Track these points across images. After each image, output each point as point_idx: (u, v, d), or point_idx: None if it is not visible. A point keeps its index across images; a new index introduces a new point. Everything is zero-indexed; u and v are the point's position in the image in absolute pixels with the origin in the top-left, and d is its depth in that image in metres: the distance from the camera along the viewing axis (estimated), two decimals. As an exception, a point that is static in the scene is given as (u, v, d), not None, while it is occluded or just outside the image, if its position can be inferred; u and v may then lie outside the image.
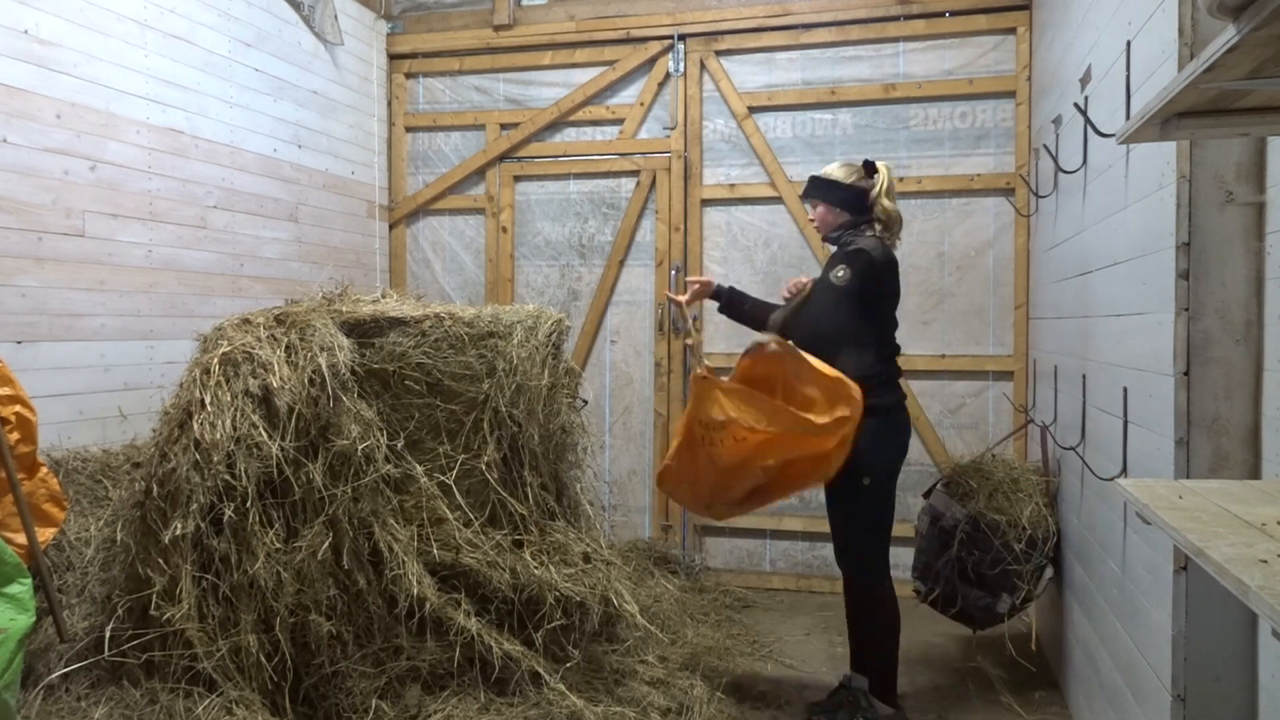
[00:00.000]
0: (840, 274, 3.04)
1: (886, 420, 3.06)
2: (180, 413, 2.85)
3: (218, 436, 2.71)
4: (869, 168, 3.19)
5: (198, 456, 2.71)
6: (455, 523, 3.10)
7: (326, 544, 2.82)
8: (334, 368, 2.93)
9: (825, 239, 3.33)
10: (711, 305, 5.06)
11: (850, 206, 3.16)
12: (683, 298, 3.49)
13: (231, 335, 2.97)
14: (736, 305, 3.49)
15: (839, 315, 3.07)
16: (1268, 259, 2.10)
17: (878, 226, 3.16)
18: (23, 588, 2.43)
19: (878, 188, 3.15)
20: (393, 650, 2.91)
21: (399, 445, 3.13)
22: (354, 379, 3.05)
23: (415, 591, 2.88)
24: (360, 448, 2.93)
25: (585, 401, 3.70)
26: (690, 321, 3.53)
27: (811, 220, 3.33)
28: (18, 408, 2.73)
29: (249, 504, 2.70)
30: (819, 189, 3.23)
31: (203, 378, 2.84)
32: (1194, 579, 2.17)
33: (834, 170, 3.24)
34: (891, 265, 3.10)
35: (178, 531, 2.66)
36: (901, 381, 3.22)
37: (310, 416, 2.86)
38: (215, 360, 2.85)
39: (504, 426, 3.23)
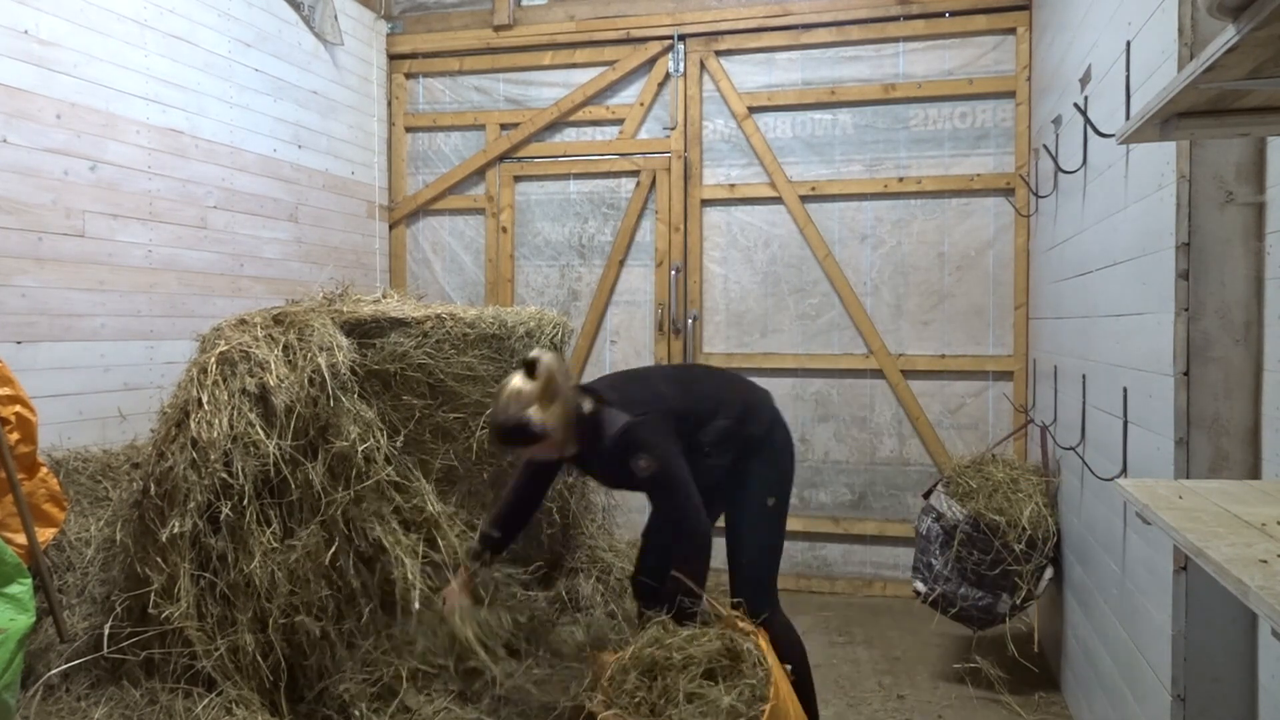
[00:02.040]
0: (643, 465, 2.54)
1: (766, 449, 2.79)
2: (178, 412, 2.84)
3: (215, 435, 2.71)
4: (529, 369, 2.55)
5: (195, 455, 2.71)
6: (451, 528, 3.09)
7: (322, 545, 2.81)
8: (334, 368, 2.93)
9: (570, 464, 2.83)
10: (711, 309, 5.07)
11: (535, 436, 2.54)
12: None
13: (229, 335, 2.97)
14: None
15: (680, 483, 2.57)
16: (1268, 259, 2.10)
17: (585, 408, 2.61)
18: (23, 588, 2.43)
19: (537, 390, 2.52)
20: (385, 652, 2.90)
21: (398, 444, 3.13)
22: (354, 379, 3.05)
23: (416, 599, 2.88)
24: (360, 449, 2.93)
25: None
26: None
27: (536, 462, 2.78)
28: (18, 408, 2.73)
29: (246, 503, 2.70)
30: (502, 442, 2.63)
31: (200, 377, 2.84)
32: (1194, 579, 2.17)
33: (511, 410, 2.52)
34: (643, 410, 2.62)
35: (175, 530, 2.66)
36: (761, 397, 2.87)
37: (309, 416, 2.86)
38: (212, 360, 2.85)
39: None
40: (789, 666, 2.56)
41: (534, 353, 2.60)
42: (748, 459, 2.77)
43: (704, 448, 2.69)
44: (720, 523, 2.84)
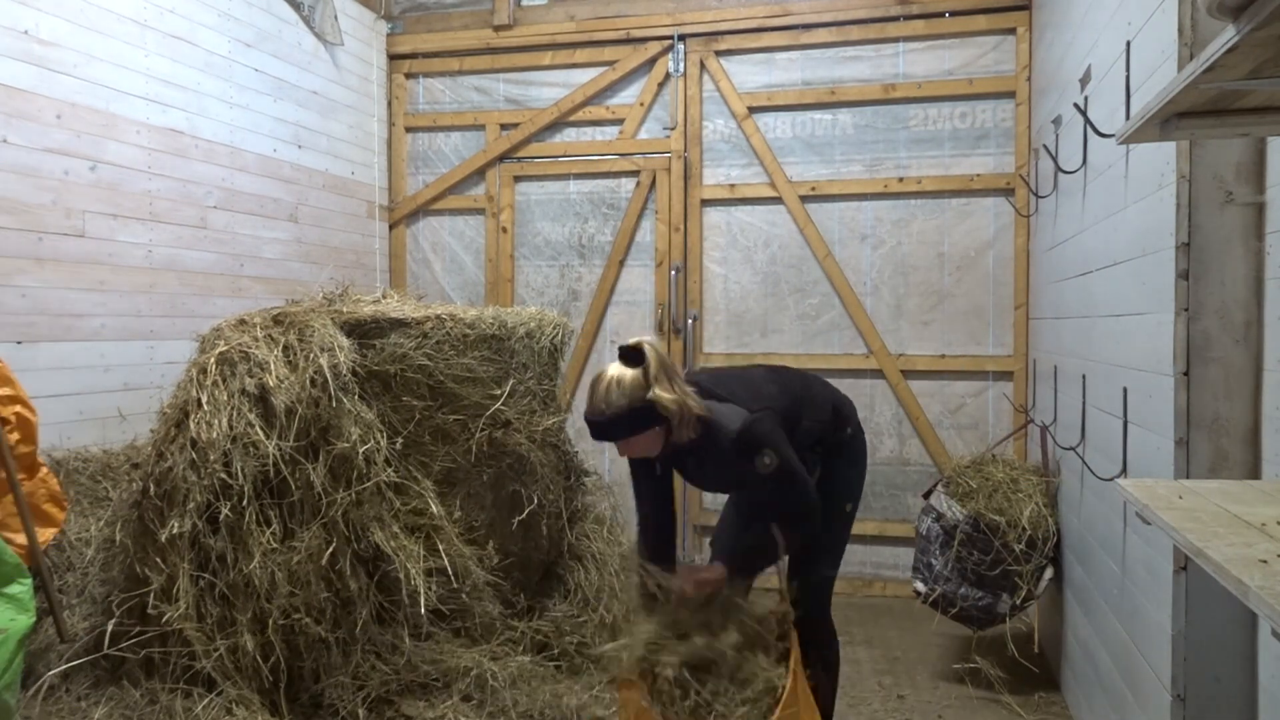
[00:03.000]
0: (767, 461, 2.49)
1: (848, 451, 2.82)
2: (177, 412, 2.85)
3: (214, 436, 2.71)
4: (634, 358, 2.49)
5: (194, 456, 2.71)
6: (450, 530, 3.09)
7: (322, 546, 2.81)
8: (335, 368, 2.93)
9: (670, 461, 2.72)
10: (711, 309, 5.07)
11: (652, 422, 2.47)
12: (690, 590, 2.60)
13: (229, 335, 2.97)
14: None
15: (801, 476, 2.56)
16: (1268, 259, 2.10)
17: (670, 407, 2.45)
18: (23, 588, 2.43)
19: (652, 375, 2.46)
20: (380, 654, 2.90)
21: (398, 446, 3.13)
22: (354, 380, 3.05)
23: (421, 601, 2.88)
24: (361, 450, 2.92)
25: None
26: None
27: (623, 454, 2.64)
28: (18, 408, 2.73)
29: (245, 503, 2.70)
30: (614, 430, 2.50)
31: (199, 377, 2.84)
32: (1194, 579, 2.17)
33: (612, 398, 2.46)
34: (760, 407, 2.57)
35: (175, 530, 2.66)
36: (846, 400, 2.87)
37: (310, 417, 2.85)
38: (212, 360, 2.85)
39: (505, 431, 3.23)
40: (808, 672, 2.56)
41: (633, 339, 2.51)
42: (832, 461, 2.77)
43: (801, 449, 2.63)
44: None
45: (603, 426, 2.49)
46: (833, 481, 2.76)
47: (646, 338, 2.54)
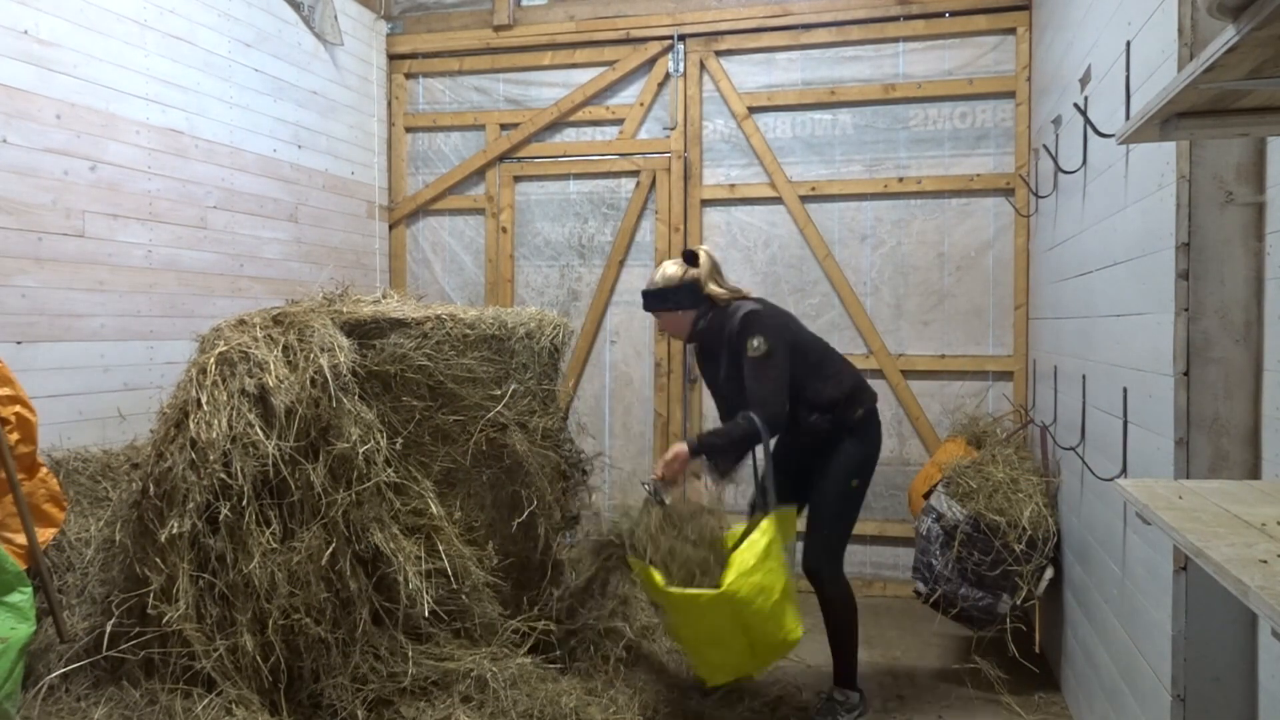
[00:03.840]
0: (755, 344, 3.01)
1: (861, 433, 3.26)
2: (177, 412, 2.84)
3: (214, 436, 2.71)
4: (690, 258, 3.22)
5: (194, 456, 2.71)
6: (450, 531, 3.09)
7: (322, 546, 2.81)
8: (335, 369, 2.93)
9: (688, 340, 3.33)
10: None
11: (690, 302, 3.18)
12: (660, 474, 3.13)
13: (229, 335, 2.97)
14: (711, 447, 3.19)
15: (777, 371, 3.03)
16: (1268, 259, 2.10)
17: (731, 303, 3.15)
18: (23, 596, 2.43)
19: (703, 275, 3.17)
20: (379, 655, 2.89)
21: (398, 446, 3.13)
22: (354, 380, 3.05)
23: (420, 602, 2.88)
24: (361, 451, 2.92)
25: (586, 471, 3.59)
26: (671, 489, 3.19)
27: (663, 330, 3.36)
28: (17, 408, 2.73)
29: (245, 503, 2.70)
30: (654, 301, 3.22)
31: (199, 377, 2.84)
32: (1194, 579, 2.18)
33: (660, 277, 3.23)
34: (776, 312, 3.20)
35: (174, 530, 2.66)
36: (867, 387, 3.32)
37: (310, 417, 2.85)
38: (211, 360, 2.85)
39: (506, 433, 3.23)
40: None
41: (695, 247, 3.22)
42: (842, 437, 3.20)
43: (809, 407, 3.13)
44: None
45: (650, 296, 3.21)
46: (838, 456, 3.19)
47: (704, 246, 3.26)
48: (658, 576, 2.94)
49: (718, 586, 2.86)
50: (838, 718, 3.28)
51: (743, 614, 2.88)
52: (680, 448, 3.07)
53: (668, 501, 3.09)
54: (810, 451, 3.24)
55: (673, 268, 3.22)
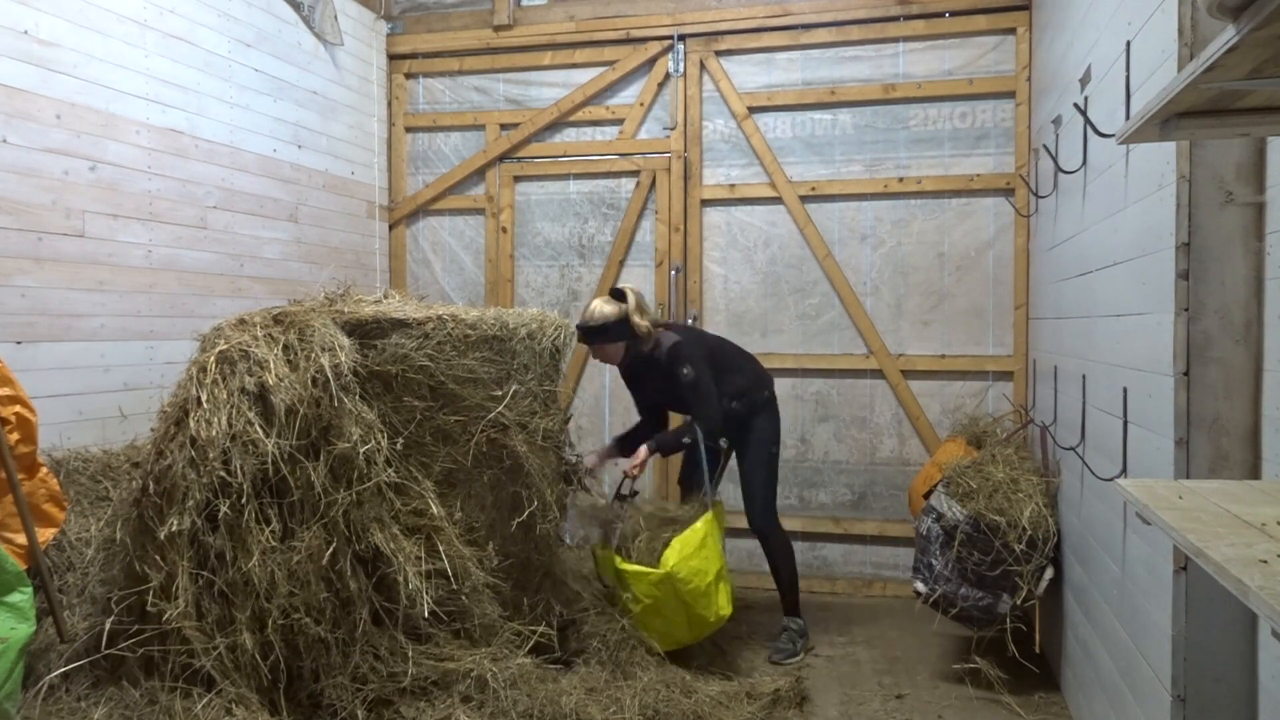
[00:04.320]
0: (686, 372, 3.77)
1: (768, 410, 4.05)
2: (177, 410, 2.85)
3: (214, 434, 2.71)
4: (619, 295, 3.84)
5: (194, 454, 2.71)
6: (450, 531, 3.09)
7: (322, 546, 2.81)
8: (336, 368, 2.93)
9: (622, 365, 3.98)
10: (711, 309, 5.07)
11: (621, 335, 3.81)
12: (635, 470, 3.85)
13: (229, 335, 2.97)
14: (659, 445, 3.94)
15: (708, 390, 3.83)
16: (1268, 259, 2.10)
17: (650, 338, 3.85)
18: (23, 596, 2.43)
19: (631, 310, 3.79)
20: (379, 655, 2.89)
21: (399, 446, 3.13)
22: (355, 380, 3.05)
23: (420, 602, 2.88)
24: (361, 451, 2.92)
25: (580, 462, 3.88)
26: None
27: (597, 358, 3.97)
28: (17, 408, 2.73)
29: (245, 501, 2.70)
30: (593, 335, 3.81)
31: (199, 376, 2.84)
32: (1194, 579, 2.17)
33: (597, 314, 3.79)
34: (692, 338, 3.96)
35: (174, 528, 2.66)
36: (766, 373, 4.13)
37: (311, 417, 2.85)
38: (212, 359, 2.85)
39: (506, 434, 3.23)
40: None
41: (620, 285, 3.90)
42: (754, 416, 4.00)
43: (725, 394, 3.89)
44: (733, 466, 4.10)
45: (588, 331, 3.79)
46: (759, 430, 4.01)
47: (629, 286, 3.89)
48: (617, 559, 3.59)
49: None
50: (793, 641, 3.96)
51: (680, 591, 3.47)
52: (644, 451, 3.80)
53: (637, 495, 3.92)
54: (732, 430, 3.98)
55: (607, 306, 3.79)
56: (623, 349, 3.86)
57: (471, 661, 2.96)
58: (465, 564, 3.08)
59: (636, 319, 3.78)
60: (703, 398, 3.79)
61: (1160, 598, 2.31)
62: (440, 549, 3.04)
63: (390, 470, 3.04)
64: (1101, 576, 2.94)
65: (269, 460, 2.74)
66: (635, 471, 3.81)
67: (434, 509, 3.09)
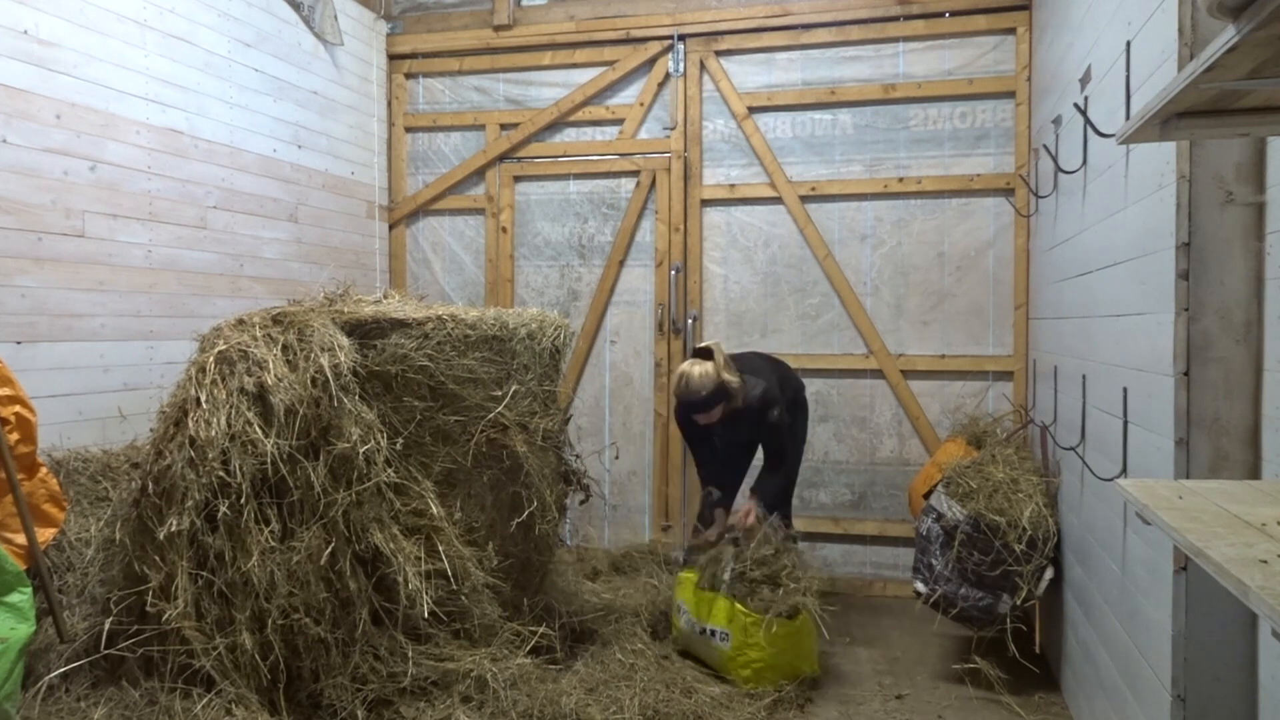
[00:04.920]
0: (776, 413, 3.84)
1: (803, 410, 4.27)
2: (176, 411, 2.85)
3: (213, 434, 2.71)
4: (704, 354, 3.80)
5: (193, 454, 2.71)
6: (450, 531, 3.09)
7: (322, 546, 2.81)
8: (336, 368, 2.93)
9: (724, 420, 3.85)
10: (711, 309, 5.07)
11: (721, 398, 3.75)
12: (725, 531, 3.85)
13: (228, 335, 2.97)
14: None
15: (796, 431, 4.11)
16: (1268, 259, 2.10)
17: (734, 386, 3.78)
18: (23, 596, 2.43)
19: (721, 363, 3.76)
20: (378, 655, 2.89)
21: (399, 446, 3.13)
22: (355, 381, 3.05)
23: (419, 603, 2.88)
24: (361, 451, 2.92)
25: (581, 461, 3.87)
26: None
27: (716, 423, 3.83)
28: (17, 408, 2.73)
29: (244, 501, 2.70)
30: (699, 408, 3.74)
31: (198, 376, 2.84)
32: (1194, 579, 2.17)
33: (696, 383, 3.69)
34: (775, 378, 3.98)
35: (173, 528, 2.66)
36: (798, 380, 4.29)
37: (311, 417, 2.85)
38: (211, 359, 2.85)
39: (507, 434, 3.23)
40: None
41: (705, 343, 3.86)
42: (797, 412, 4.17)
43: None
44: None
45: (698, 405, 3.74)
46: (797, 426, 4.16)
47: (712, 340, 3.89)
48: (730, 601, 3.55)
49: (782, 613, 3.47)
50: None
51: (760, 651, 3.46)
52: (750, 506, 3.79)
53: (742, 543, 3.71)
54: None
55: (704, 370, 3.71)
56: (721, 410, 3.78)
57: (471, 662, 2.96)
58: (465, 564, 3.08)
59: (728, 377, 3.74)
60: (789, 436, 3.96)
61: (1160, 598, 2.31)
62: (440, 549, 3.04)
63: (390, 470, 3.04)
64: (1101, 576, 2.94)
65: (268, 460, 2.74)
66: (748, 521, 3.75)
67: (434, 509, 3.09)
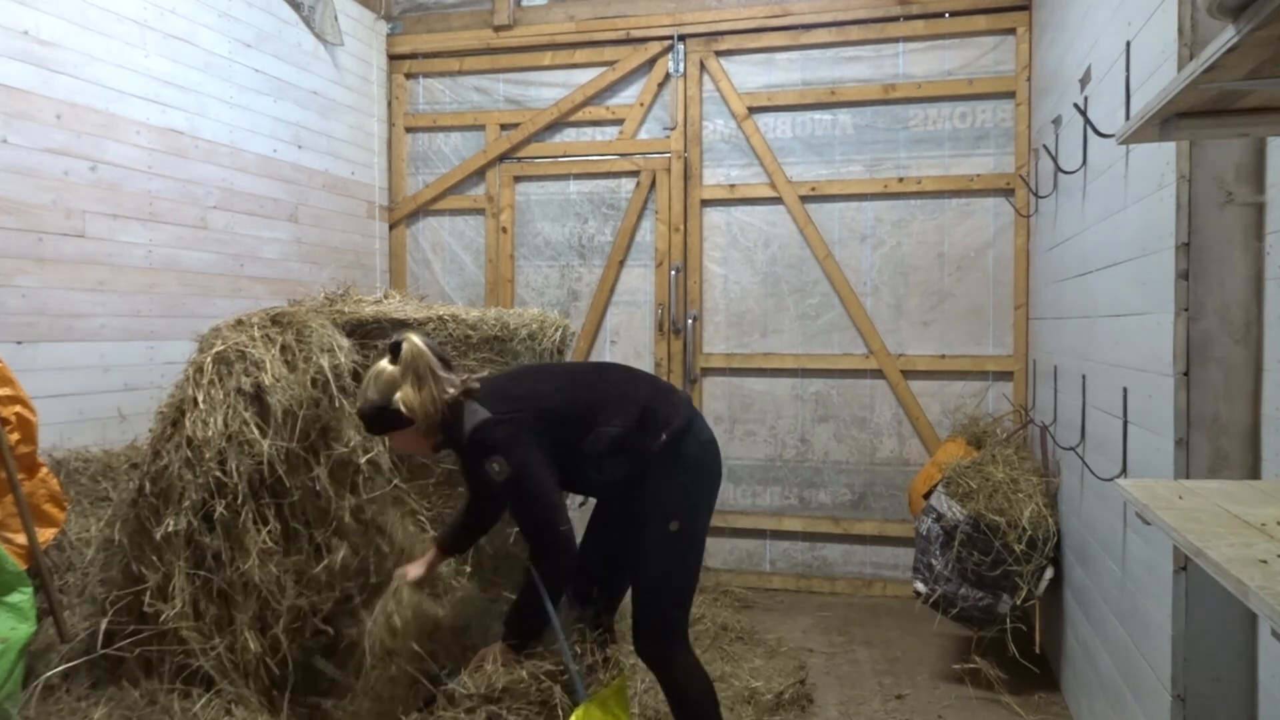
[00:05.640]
0: (495, 468, 2.36)
1: (668, 463, 2.46)
2: (174, 411, 2.85)
3: (209, 434, 2.71)
4: (394, 352, 2.46)
5: (190, 454, 2.71)
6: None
7: (320, 547, 2.81)
8: (336, 369, 2.92)
9: (431, 459, 2.92)
10: (711, 309, 5.07)
11: (400, 419, 2.44)
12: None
13: (226, 335, 2.97)
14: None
15: (544, 499, 2.42)
16: (1267, 259, 2.10)
17: (448, 396, 2.43)
18: (24, 596, 2.43)
19: (398, 374, 2.42)
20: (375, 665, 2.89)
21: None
22: (356, 383, 3.04)
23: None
24: (360, 453, 2.92)
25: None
26: None
27: (403, 454, 2.92)
28: (18, 408, 2.73)
29: (241, 501, 2.70)
30: (369, 427, 2.55)
31: (196, 376, 2.84)
32: (1194, 579, 2.17)
33: (377, 391, 2.44)
34: (505, 403, 2.45)
35: (170, 528, 2.66)
36: (668, 402, 2.55)
37: (310, 418, 2.85)
38: (208, 359, 2.85)
39: None
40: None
41: (400, 335, 2.47)
42: (644, 474, 2.45)
43: (593, 457, 2.44)
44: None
45: (363, 422, 2.52)
46: (643, 497, 2.45)
47: (413, 336, 2.45)
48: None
49: None
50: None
51: None
52: (493, 651, 2.48)
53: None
54: (613, 494, 2.61)
55: (373, 386, 2.45)
56: (420, 437, 2.48)
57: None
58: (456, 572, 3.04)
59: (408, 392, 2.40)
60: (527, 507, 2.42)
61: (1160, 598, 2.31)
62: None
63: (390, 472, 3.04)
64: (1101, 576, 2.94)
65: (264, 460, 2.74)
66: (473, 673, 2.44)
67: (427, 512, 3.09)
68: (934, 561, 3.61)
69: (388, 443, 2.76)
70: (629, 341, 5.23)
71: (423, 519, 3.15)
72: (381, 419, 2.44)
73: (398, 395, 2.40)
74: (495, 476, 2.36)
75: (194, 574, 2.70)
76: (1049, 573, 3.51)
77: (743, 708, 3.30)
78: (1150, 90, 2.37)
